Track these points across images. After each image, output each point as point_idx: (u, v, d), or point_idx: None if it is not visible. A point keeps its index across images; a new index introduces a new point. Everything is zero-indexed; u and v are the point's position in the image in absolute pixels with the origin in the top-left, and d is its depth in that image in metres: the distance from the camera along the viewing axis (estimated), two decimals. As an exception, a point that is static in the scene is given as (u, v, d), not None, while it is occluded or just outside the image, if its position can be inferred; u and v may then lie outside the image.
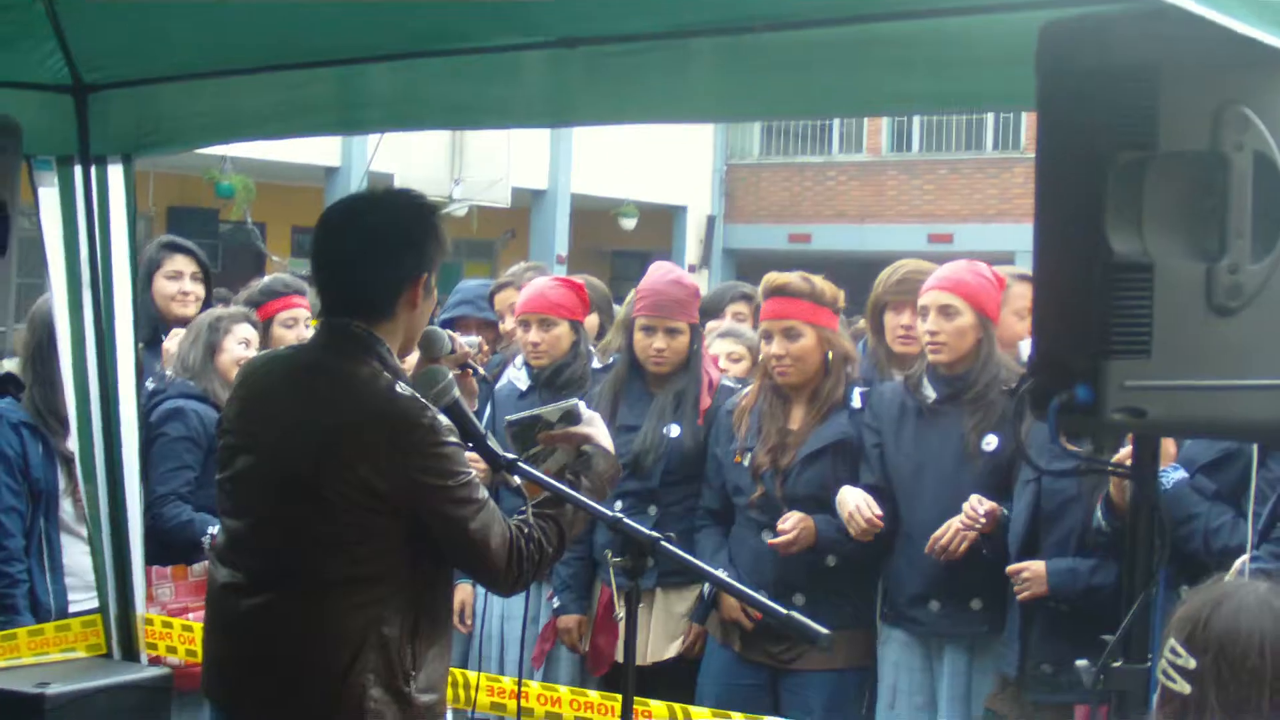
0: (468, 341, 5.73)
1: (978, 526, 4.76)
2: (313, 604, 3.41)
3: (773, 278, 5.26)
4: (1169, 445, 4.41)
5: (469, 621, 5.79)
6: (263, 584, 3.48)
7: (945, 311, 4.96)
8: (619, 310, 6.42)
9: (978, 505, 4.77)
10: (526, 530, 3.52)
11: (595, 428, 3.79)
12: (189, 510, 5.57)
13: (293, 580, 3.44)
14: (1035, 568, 4.65)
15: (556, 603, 5.56)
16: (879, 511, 4.92)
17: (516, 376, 5.84)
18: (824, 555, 5.09)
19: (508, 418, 3.90)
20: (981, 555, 4.83)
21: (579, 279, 6.65)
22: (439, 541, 3.44)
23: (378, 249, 3.51)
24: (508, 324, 6.43)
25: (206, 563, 5.47)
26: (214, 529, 5.37)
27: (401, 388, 3.44)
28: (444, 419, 3.44)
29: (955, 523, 4.81)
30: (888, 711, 5.05)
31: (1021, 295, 5.17)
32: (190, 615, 5.46)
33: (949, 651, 4.97)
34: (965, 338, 4.96)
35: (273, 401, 3.56)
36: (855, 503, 4.94)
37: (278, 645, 3.46)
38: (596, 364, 5.83)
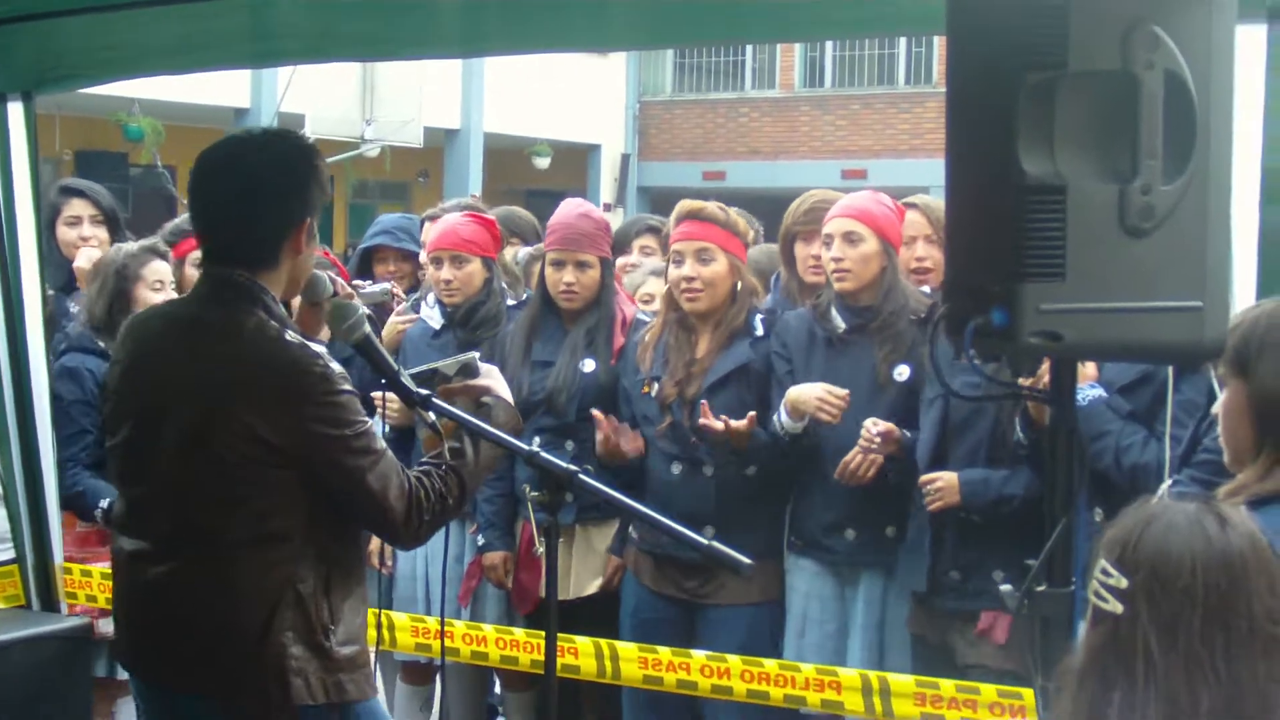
0: (380, 289, 5.69)
1: (874, 448, 4.78)
2: (223, 566, 3.35)
3: (687, 203, 5.24)
4: (1089, 366, 4.45)
5: (389, 563, 5.76)
6: (169, 550, 3.41)
7: (849, 238, 4.96)
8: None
9: (871, 427, 4.78)
10: (427, 482, 3.47)
11: (494, 380, 3.73)
12: (86, 478, 5.40)
13: (199, 544, 3.38)
14: (947, 477, 4.68)
15: (481, 540, 5.54)
16: (841, 391, 4.87)
17: (429, 315, 5.79)
18: (745, 467, 5.08)
19: (404, 371, 3.83)
20: (887, 479, 4.85)
21: (497, 212, 6.60)
22: (336, 494, 3.37)
23: (261, 194, 3.41)
24: None
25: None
26: (106, 501, 5.27)
27: (291, 336, 3.36)
28: (337, 367, 3.37)
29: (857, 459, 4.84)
30: (797, 640, 5.06)
31: (912, 223, 5.20)
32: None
33: (865, 578, 4.99)
34: (870, 265, 4.96)
35: (156, 360, 3.47)
36: (816, 394, 4.89)
37: (191, 611, 3.40)
38: (511, 301, 5.79)
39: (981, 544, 4.61)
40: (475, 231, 5.74)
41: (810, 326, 5.08)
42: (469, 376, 3.70)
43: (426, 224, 6.49)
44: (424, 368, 3.80)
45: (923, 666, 4.75)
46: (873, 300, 4.98)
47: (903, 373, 4.93)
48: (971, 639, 4.68)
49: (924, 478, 4.72)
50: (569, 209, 5.64)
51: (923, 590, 4.80)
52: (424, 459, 3.57)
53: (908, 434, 4.84)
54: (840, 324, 5.01)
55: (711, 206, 5.21)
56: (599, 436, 5.17)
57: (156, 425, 3.40)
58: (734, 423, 4.93)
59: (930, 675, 4.51)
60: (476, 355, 3.75)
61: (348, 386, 3.36)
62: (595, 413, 5.16)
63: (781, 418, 4.95)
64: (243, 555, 3.34)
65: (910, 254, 5.18)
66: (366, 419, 3.38)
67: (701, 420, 4.98)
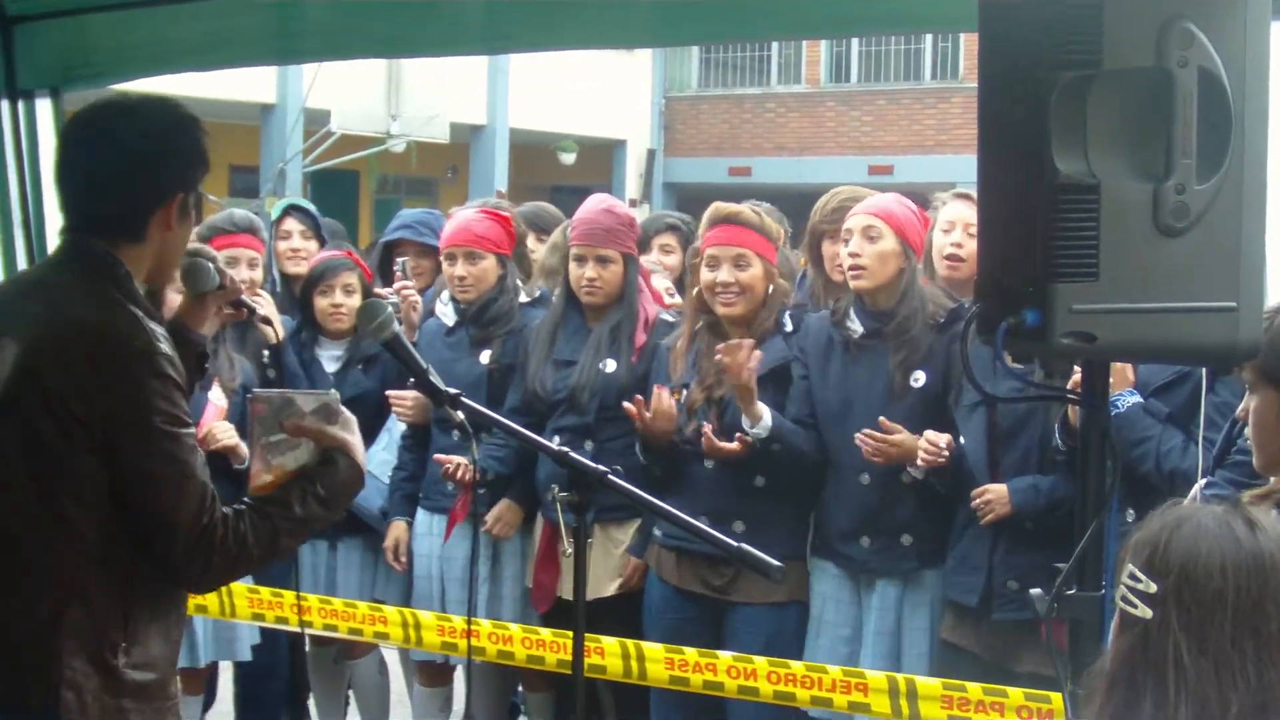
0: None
1: (941, 460, 4.73)
2: (6, 546, 3.03)
3: (722, 206, 5.21)
4: (1127, 370, 4.41)
5: (403, 559, 5.76)
6: None
7: (867, 233, 4.93)
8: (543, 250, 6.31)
9: (936, 439, 4.73)
10: (231, 521, 3.06)
11: (351, 434, 3.30)
12: None
13: None
14: (997, 489, 4.65)
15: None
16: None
17: (443, 312, 5.77)
18: (753, 476, 5.07)
19: (255, 390, 3.71)
20: (936, 490, 4.82)
21: (524, 208, 6.59)
22: (126, 494, 3.00)
23: (123, 163, 3.14)
24: None
25: None
26: None
27: (130, 309, 3.06)
28: (167, 350, 3.05)
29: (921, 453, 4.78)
30: (813, 642, 5.05)
31: (949, 211, 5.15)
32: None
33: (880, 585, 4.96)
34: (887, 264, 4.92)
35: None
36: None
37: None
38: (524, 298, 5.76)
39: (1037, 548, 4.51)
40: (489, 228, 5.72)
41: (829, 332, 5.05)
42: (326, 418, 3.32)
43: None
44: (278, 391, 3.59)
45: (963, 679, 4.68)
46: (889, 303, 4.95)
47: (919, 379, 4.90)
48: (1030, 647, 4.59)
49: (974, 493, 4.68)
50: (593, 204, 5.62)
51: (974, 604, 4.75)
52: (245, 498, 3.18)
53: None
54: (858, 328, 4.98)
55: (746, 210, 5.19)
56: (637, 424, 5.11)
57: None
58: (725, 445, 4.95)
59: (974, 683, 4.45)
60: (336, 397, 3.42)
61: (175, 375, 3.03)
62: (627, 406, 5.10)
63: (743, 423, 4.94)
64: (30, 537, 3.01)
65: (947, 239, 5.11)
66: (188, 422, 3.06)
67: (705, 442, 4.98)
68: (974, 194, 5.18)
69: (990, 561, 4.71)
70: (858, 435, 4.80)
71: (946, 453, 4.72)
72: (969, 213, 5.09)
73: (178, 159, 3.18)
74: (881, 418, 4.79)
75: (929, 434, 4.75)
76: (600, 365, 5.38)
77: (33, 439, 2.98)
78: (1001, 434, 4.71)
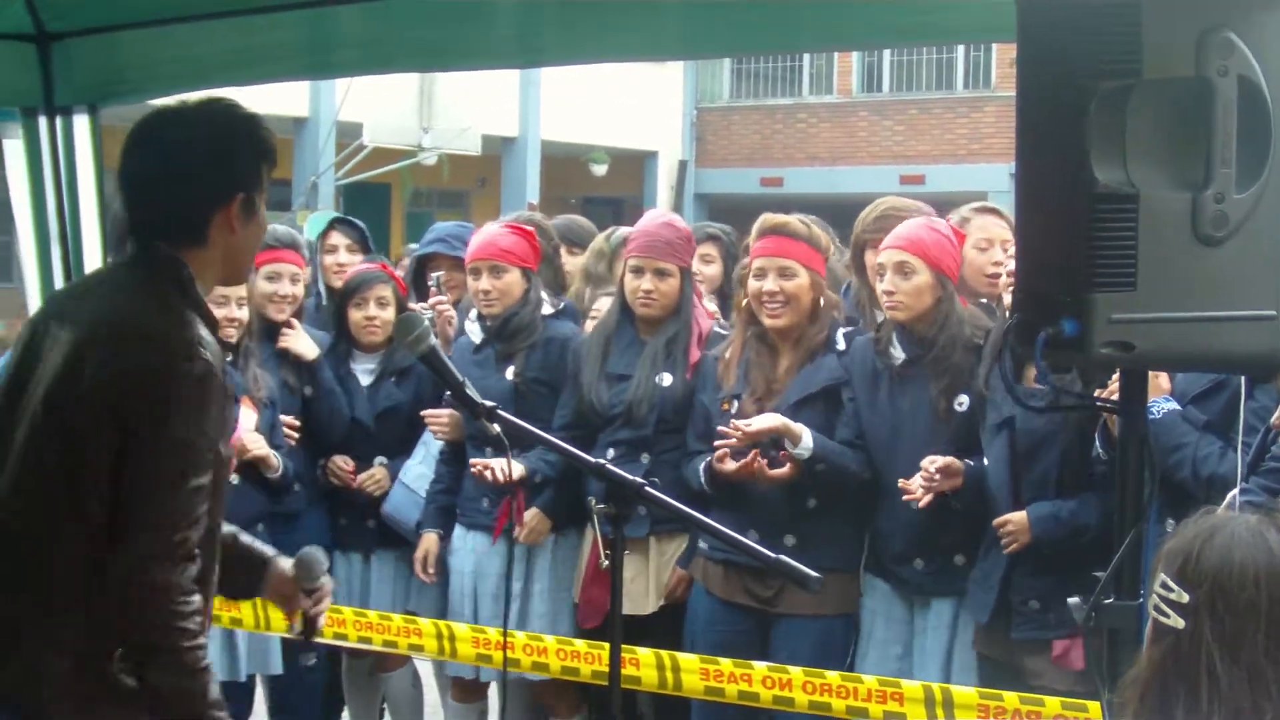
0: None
1: (934, 484, 4.74)
2: (30, 542, 3.03)
3: (770, 217, 5.21)
4: (1162, 378, 4.39)
5: (432, 570, 5.74)
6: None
7: (901, 269, 4.92)
8: (585, 257, 6.31)
9: (928, 465, 4.75)
10: (196, 605, 2.97)
11: (326, 587, 3.45)
12: None
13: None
14: (1017, 519, 4.63)
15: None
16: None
17: (472, 330, 5.76)
18: (806, 498, 5.07)
19: None
20: (952, 509, 4.82)
21: (557, 222, 6.59)
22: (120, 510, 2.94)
23: (178, 167, 3.14)
24: None
25: None
26: None
27: (185, 311, 3.05)
28: (209, 358, 3.00)
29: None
30: (863, 658, 5.03)
31: (981, 228, 5.16)
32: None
33: (935, 604, 4.94)
34: (923, 297, 4.92)
35: (50, 321, 3.16)
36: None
37: None
38: (547, 309, 5.74)
39: (1058, 570, 4.50)
40: (514, 242, 5.70)
41: (873, 359, 5.04)
42: (307, 576, 3.41)
43: None
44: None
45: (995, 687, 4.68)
46: (929, 331, 4.93)
47: (963, 402, 4.89)
48: (1045, 665, 4.62)
49: (997, 521, 4.68)
50: (653, 217, 5.64)
51: (984, 621, 4.75)
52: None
53: (970, 462, 4.80)
54: (900, 354, 4.97)
55: (795, 221, 5.18)
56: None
57: (24, 381, 3.09)
58: (776, 473, 4.96)
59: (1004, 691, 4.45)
60: (321, 555, 3.45)
61: (212, 385, 2.99)
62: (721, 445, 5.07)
63: (787, 446, 4.95)
64: (52, 532, 3.00)
65: (987, 259, 5.11)
66: (202, 447, 2.99)
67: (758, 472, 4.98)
68: (1000, 207, 5.20)
69: (1009, 579, 4.69)
70: (903, 484, 4.80)
71: (938, 477, 4.73)
72: (1001, 228, 5.08)
73: (234, 160, 3.16)
74: (924, 461, 4.79)
75: (924, 461, 4.76)
76: (657, 379, 5.38)
77: (68, 433, 2.98)
78: (1021, 455, 4.69)
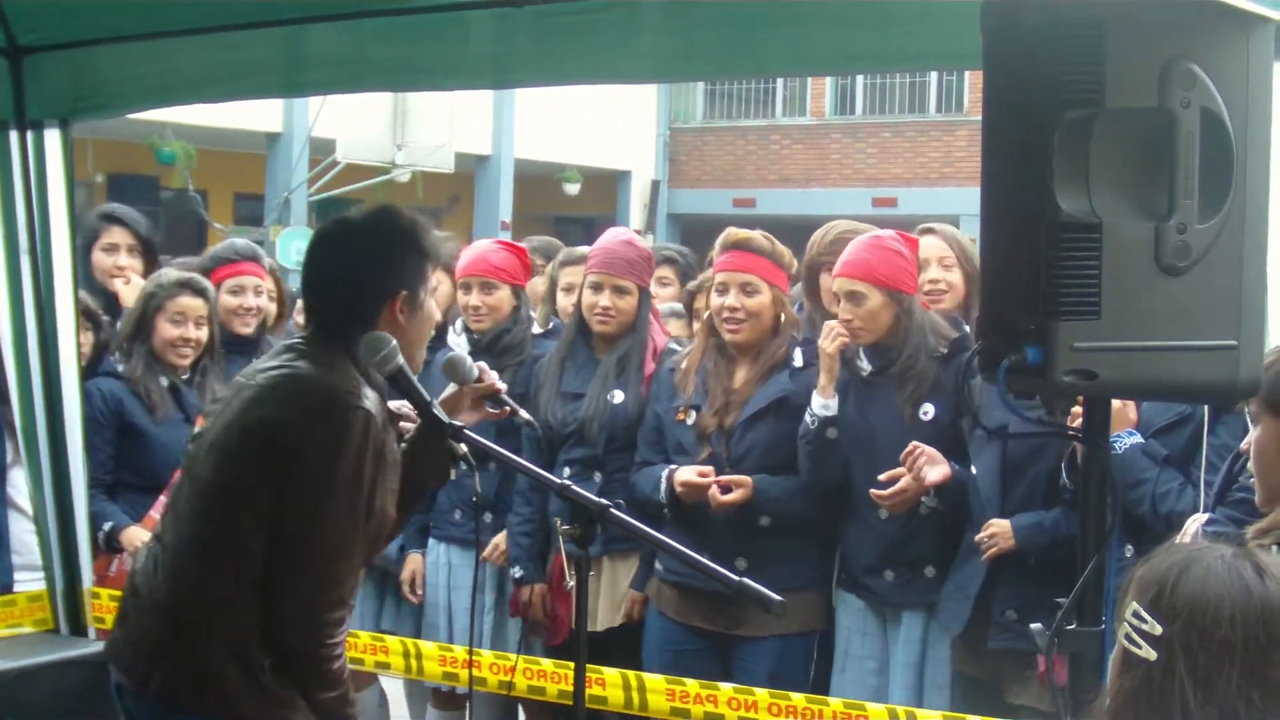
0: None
1: (918, 467, 4.76)
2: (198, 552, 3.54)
3: (734, 232, 5.24)
4: (1130, 409, 4.42)
5: (419, 591, 5.77)
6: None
7: (853, 298, 4.95)
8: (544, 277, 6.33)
9: (913, 449, 4.78)
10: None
11: None
12: (99, 499, 5.42)
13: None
14: (999, 525, 4.66)
15: (519, 572, 5.51)
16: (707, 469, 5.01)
17: (456, 342, 5.79)
18: (758, 517, 5.08)
19: None
20: (937, 513, 4.84)
21: (534, 241, 6.61)
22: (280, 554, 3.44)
23: (351, 267, 3.62)
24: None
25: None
26: (108, 525, 5.40)
27: (354, 372, 3.50)
28: (371, 409, 3.45)
29: (904, 482, 4.82)
30: (839, 675, 5.04)
31: (927, 247, 5.19)
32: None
33: (905, 618, 4.96)
34: (879, 319, 4.95)
35: (236, 391, 3.65)
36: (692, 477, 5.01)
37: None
38: (537, 329, 5.78)
39: (1038, 580, 4.52)
40: (505, 259, 5.76)
41: (842, 371, 5.06)
42: (461, 373, 3.80)
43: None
44: None
45: (969, 708, 4.69)
46: (893, 343, 4.97)
47: (928, 411, 4.92)
48: (1025, 679, 4.63)
49: (983, 527, 4.70)
50: (614, 235, 5.67)
51: (959, 632, 4.77)
52: None
53: (956, 466, 4.82)
54: (867, 365, 5.01)
55: (758, 237, 5.20)
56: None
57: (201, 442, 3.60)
58: (728, 499, 5.01)
59: (977, 715, 4.45)
60: (458, 353, 3.76)
61: (374, 435, 3.43)
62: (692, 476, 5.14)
63: (813, 407, 4.97)
64: (214, 546, 3.49)
65: (924, 278, 5.16)
66: (360, 491, 3.44)
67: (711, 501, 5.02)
68: (940, 228, 5.26)
69: (981, 592, 4.71)
70: (876, 494, 4.82)
71: (922, 459, 4.75)
72: (938, 247, 5.13)
73: (395, 263, 3.61)
74: (886, 474, 4.83)
75: (906, 451, 4.78)
76: (608, 397, 5.39)
77: (230, 464, 3.47)
78: (1011, 465, 4.72)
